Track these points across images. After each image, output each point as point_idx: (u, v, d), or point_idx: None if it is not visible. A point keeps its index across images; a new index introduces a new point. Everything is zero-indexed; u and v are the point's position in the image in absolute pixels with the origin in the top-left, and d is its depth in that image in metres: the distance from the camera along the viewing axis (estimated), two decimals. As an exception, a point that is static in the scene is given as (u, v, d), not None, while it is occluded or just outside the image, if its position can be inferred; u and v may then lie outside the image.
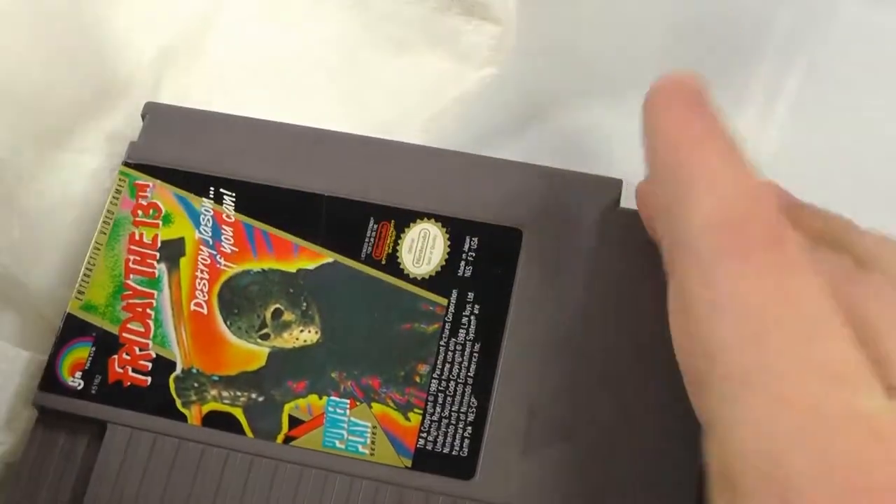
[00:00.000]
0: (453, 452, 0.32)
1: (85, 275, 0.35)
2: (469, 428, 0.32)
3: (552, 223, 0.34)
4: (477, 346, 0.33)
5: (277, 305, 0.34)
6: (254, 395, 0.33)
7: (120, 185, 0.36)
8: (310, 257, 0.34)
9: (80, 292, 0.34)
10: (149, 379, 0.33)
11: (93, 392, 0.33)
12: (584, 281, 0.33)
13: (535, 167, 0.35)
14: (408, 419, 0.32)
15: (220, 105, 0.37)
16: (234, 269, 0.35)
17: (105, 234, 0.35)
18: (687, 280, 0.24)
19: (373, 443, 0.32)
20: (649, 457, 0.31)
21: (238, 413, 0.33)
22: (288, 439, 0.32)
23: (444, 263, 0.34)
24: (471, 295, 0.33)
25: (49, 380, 0.33)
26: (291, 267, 0.34)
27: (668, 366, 0.31)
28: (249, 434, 0.32)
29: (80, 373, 0.33)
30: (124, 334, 0.34)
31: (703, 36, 0.41)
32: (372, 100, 0.39)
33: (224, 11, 0.40)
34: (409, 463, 0.32)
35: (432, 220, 0.35)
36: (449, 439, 0.32)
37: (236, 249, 0.35)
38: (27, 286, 0.36)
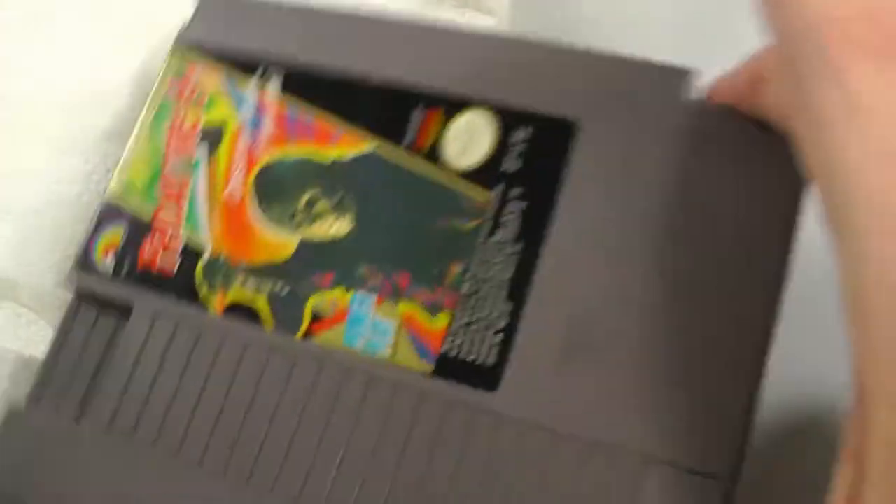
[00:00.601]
0: (478, 361, 0.29)
1: (127, 158, 0.34)
2: (499, 335, 0.30)
3: (611, 115, 0.32)
4: (517, 248, 0.30)
5: (312, 194, 0.33)
6: (278, 287, 0.32)
7: (168, 68, 0.35)
8: (350, 144, 0.33)
9: (120, 176, 0.34)
10: (177, 265, 0.33)
11: (122, 275, 0.33)
12: (642, 182, 0.30)
13: (594, 54, 0.33)
14: (435, 321, 0.30)
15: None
16: (271, 155, 0.34)
17: (150, 117, 0.35)
18: (816, 88, 0.22)
19: (395, 343, 0.30)
20: (694, 395, 0.28)
21: (261, 304, 0.32)
22: (308, 334, 0.31)
23: (491, 155, 0.32)
24: (516, 191, 0.31)
25: (83, 260, 0.34)
26: (330, 154, 0.33)
27: (733, 287, 0.28)
28: (269, 327, 0.31)
29: (113, 255, 0.34)
30: (157, 219, 0.34)
31: (702, 34, 0.40)
32: None
33: None
34: (430, 368, 0.30)
35: (482, 108, 0.32)
36: (476, 346, 0.30)
37: (276, 135, 0.34)
38: (23, 286, 0.37)
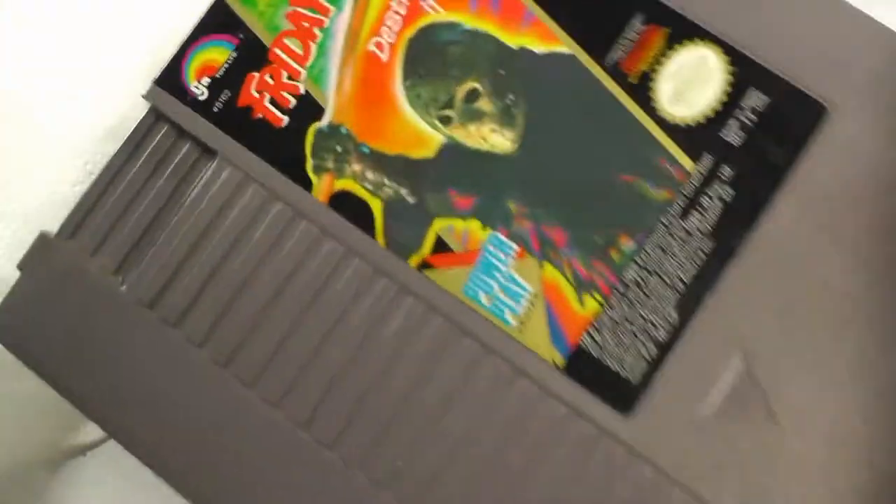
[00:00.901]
0: (620, 372, 0.24)
1: (256, -47, 0.27)
2: (653, 348, 0.24)
3: (873, 114, 0.24)
4: (708, 245, 0.24)
5: (477, 85, 0.26)
6: (404, 191, 0.26)
7: None
8: (541, 37, 0.26)
9: (242, -26, 0.27)
10: (286, 119, 0.27)
11: (214, 109, 0.27)
12: (887, 210, 0.24)
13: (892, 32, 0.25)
14: (581, 303, 0.25)
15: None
16: (440, 15, 0.27)
17: None
18: None
19: (527, 314, 0.25)
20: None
21: (376, 207, 0.26)
22: (424, 266, 0.25)
23: (711, 114, 0.25)
24: (728, 171, 0.25)
25: (169, 76, 0.28)
26: (514, 40, 0.26)
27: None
28: (380, 240, 0.26)
29: (209, 80, 0.27)
30: (276, 50, 0.27)
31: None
32: None
33: None
34: (561, 361, 0.25)
35: (718, 48, 0.25)
36: (622, 352, 0.24)
37: None
38: None
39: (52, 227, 0.30)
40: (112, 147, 0.34)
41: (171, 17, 0.36)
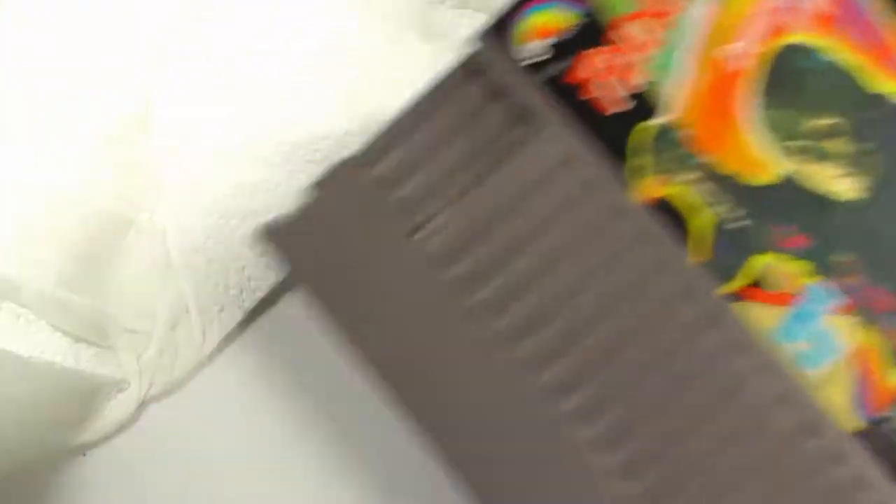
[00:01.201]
0: None
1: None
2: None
3: None
4: None
5: (839, 122, 0.24)
6: (732, 214, 0.24)
7: None
8: None
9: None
10: (616, 108, 0.25)
11: (542, 77, 0.25)
12: None
13: None
14: (892, 374, 0.23)
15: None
16: (807, 36, 0.25)
17: None
18: None
19: (832, 373, 0.24)
20: None
21: (699, 223, 0.25)
22: (735, 297, 0.24)
23: None
24: None
25: (497, 29, 0.26)
26: (882, 84, 0.24)
27: None
28: (695, 258, 0.24)
29: (542, 44, 0.25)
30: (618, 31, 0.25)
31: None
32: (366, 94, 0.36)
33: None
34: (858, 428, 0.23)
35: None
36: (926, 435, 0.23)
37: (825, 13, 0.25)
38: (24, 287, 0.34)
39: (52, 226, 0.32)
40: (113, 148, 0.36)
41: (172, 17, 0.37)
